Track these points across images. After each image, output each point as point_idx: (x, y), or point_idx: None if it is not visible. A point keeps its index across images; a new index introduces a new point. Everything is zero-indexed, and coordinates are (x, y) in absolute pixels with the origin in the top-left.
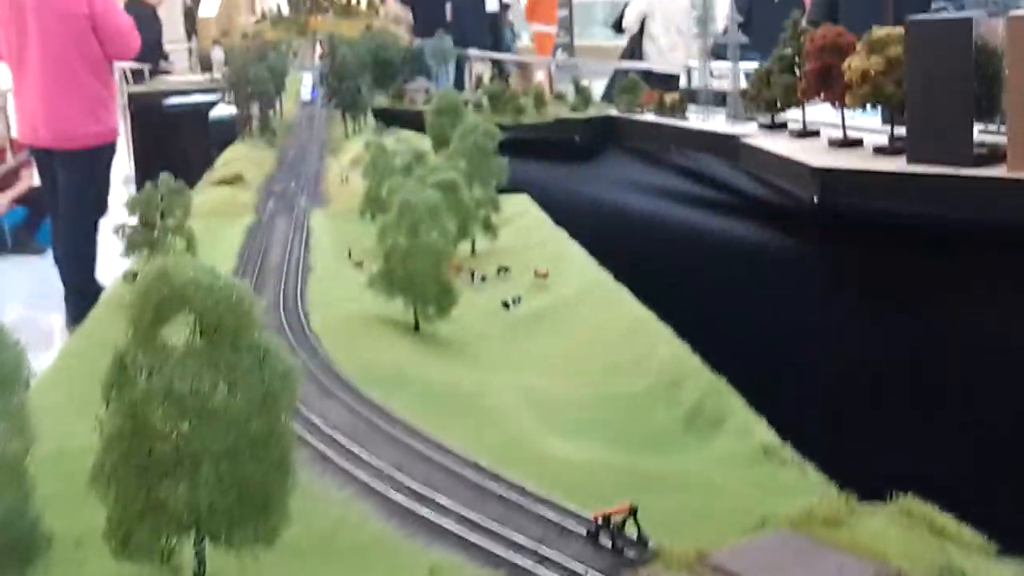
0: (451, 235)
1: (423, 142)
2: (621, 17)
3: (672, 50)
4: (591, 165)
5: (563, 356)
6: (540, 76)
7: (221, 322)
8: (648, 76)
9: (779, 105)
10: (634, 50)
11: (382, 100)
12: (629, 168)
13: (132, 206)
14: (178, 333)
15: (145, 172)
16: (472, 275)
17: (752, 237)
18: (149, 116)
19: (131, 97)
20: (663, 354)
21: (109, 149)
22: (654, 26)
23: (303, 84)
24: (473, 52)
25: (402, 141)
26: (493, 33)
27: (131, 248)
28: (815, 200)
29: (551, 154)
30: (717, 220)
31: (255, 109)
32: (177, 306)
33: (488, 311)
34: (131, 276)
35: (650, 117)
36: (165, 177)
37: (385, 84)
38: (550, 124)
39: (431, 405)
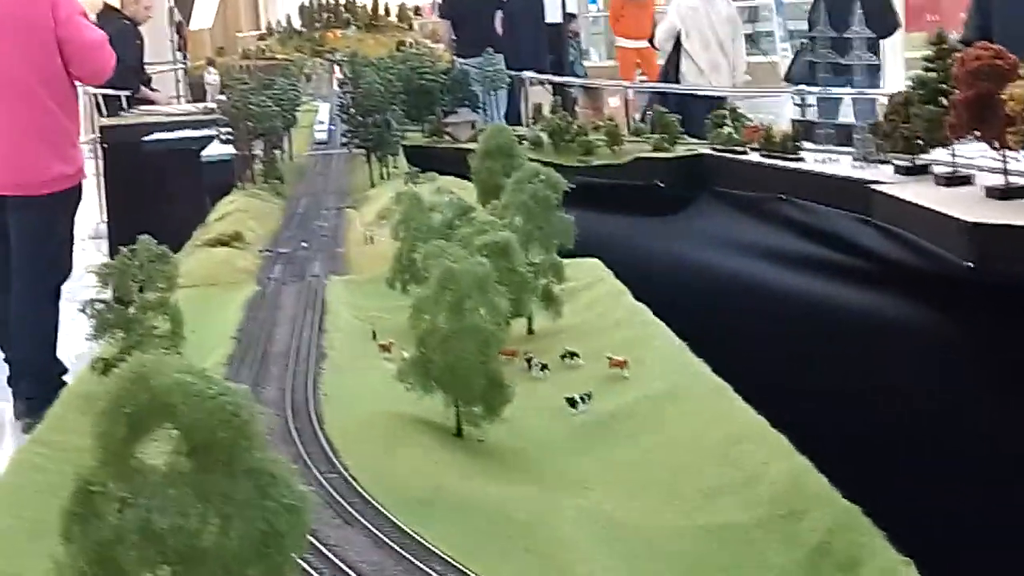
0: (503, 313)
1: (468, 192)
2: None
3: (714, 70)
4: (679, 218)
5: (646, 473)
6: (613, 103)
7: (213, 440)
8: (682, 102)
9: (922, 144)
10: (668, 72)
11: (416, 137)
12: (727, 222)
13: (104, 277)
14: (158, 452)
15: (119, 224)
16: (529, 363)
17: (888, 312)
18: (126, 155)
19: (104, 131)
20: (778, 473)
21: (74, 195)
22: (690, 44)
23: (317, 118)
24: (530, 75)
25: (442, 191)
26: (555, 50)
27: (101, 330)
28: (969, 265)
29: (629, 205)
30: (843, 290)
31: (258, 149)
32: (158, 419)
33: (549, 411)
34: (100, 365)
35: (754, 157)
36: (145, 241)
37: (420, 117)
38: (627, 166)
39: (477, 537)
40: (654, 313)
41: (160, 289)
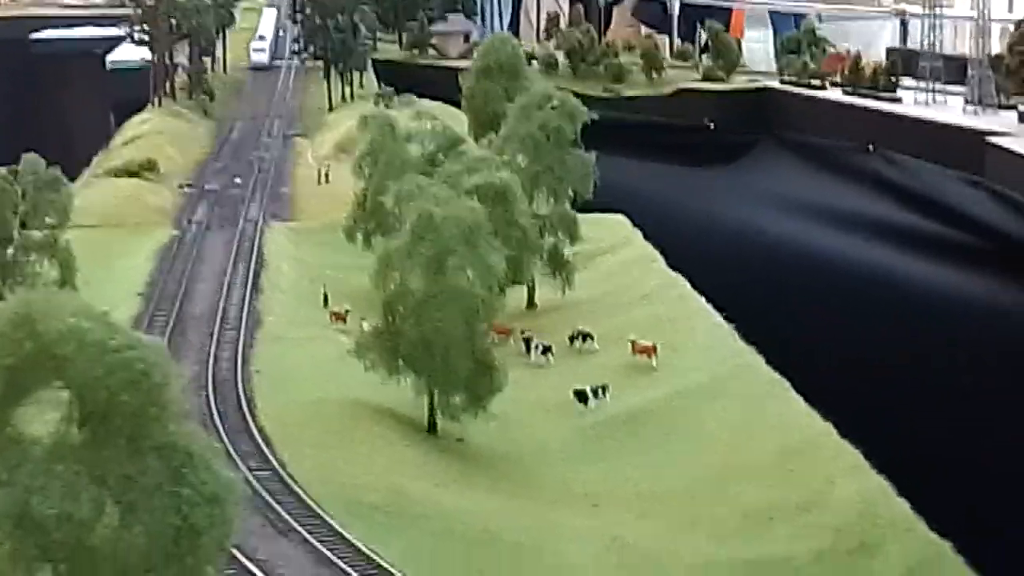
0: (497, 276)
1: (457, 122)
2: None
3: None
4: (733, 169)
5: (672, 488)
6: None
7: (114, 405)
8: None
9: None
10: None
11: (392, 50)
12: (796, 177)
13: None
14: (44, 416)
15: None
16: (528, 344)
17: (1002, 301)
18: (8, 55)
19: None
20: (846, 494)
21: None
22: None
23: (262, 20)
24: None
25: (423, 117)
26: None
27: None
28: None
29: (669, 149)
30: (944, 271)
31: (182, 55)
32: (45, 374)
33: (552, 406)
34: None
35: (835, 95)
36: (30, 162)
37: (398, 24)
38: (669, 100)
39: (452, 561)
40: (694, 286)
41: (48, 226)
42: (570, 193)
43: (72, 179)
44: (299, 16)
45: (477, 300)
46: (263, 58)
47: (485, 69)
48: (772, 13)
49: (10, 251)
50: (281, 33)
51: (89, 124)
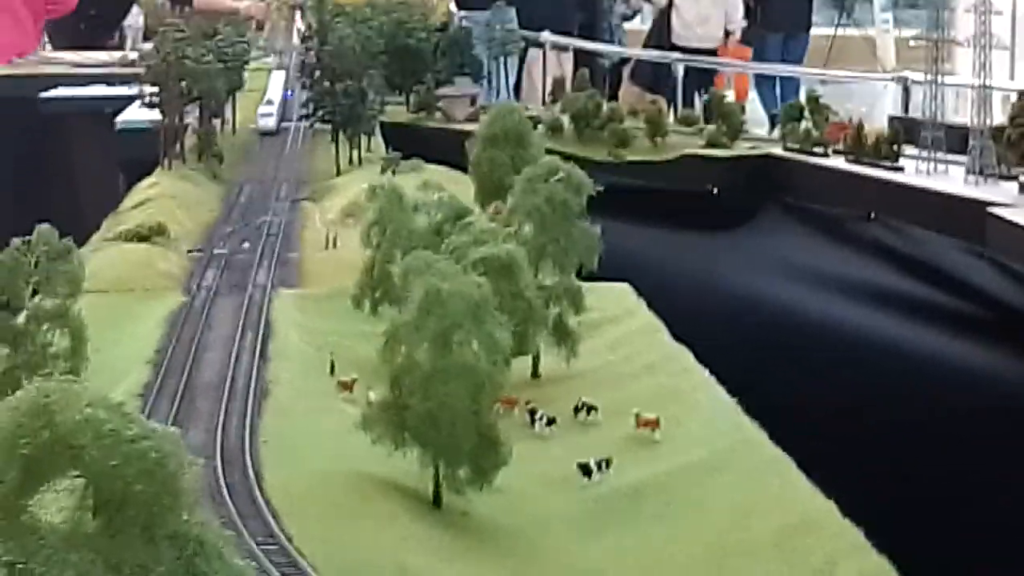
0: (503, 350)
1: (464, 188)
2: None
3: (703, 24)
4: (737, 236)
5: (680, 566)
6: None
7: (129, 494)
8: (657, 71)
9: None
10: (662, 29)
11: (399, 113)
12: (800, 245)
13: None
14: (57, 506)
15: (5, 202)
16: (532, 416)
17: (1006, 375)
18: (18, 113)
19: None
20: (851, 573)
21: None
22: None
23: (271, 82)
24: (549, 37)
25: (429, 187)
26: (588, 7)
27: None
28: None
29: (672, 215)
30: (948, 343)
31: (192, 117)
32: (62, 463)
33: (556, 479)
34: None
35: (838, 162)
36: (44, 232)
37: (406, 86)
38: (673, 165)
39: None
40: (697, 358)
41: (60, 295)
42: (575, 264)
43: (81, 243)
44: (307, 81)
45: (483, 375)
46: (271, 123)
47: (491, 137)
48: (757, 77)
49: (22, 321)
50: (289, 95)
51: (98, 184)
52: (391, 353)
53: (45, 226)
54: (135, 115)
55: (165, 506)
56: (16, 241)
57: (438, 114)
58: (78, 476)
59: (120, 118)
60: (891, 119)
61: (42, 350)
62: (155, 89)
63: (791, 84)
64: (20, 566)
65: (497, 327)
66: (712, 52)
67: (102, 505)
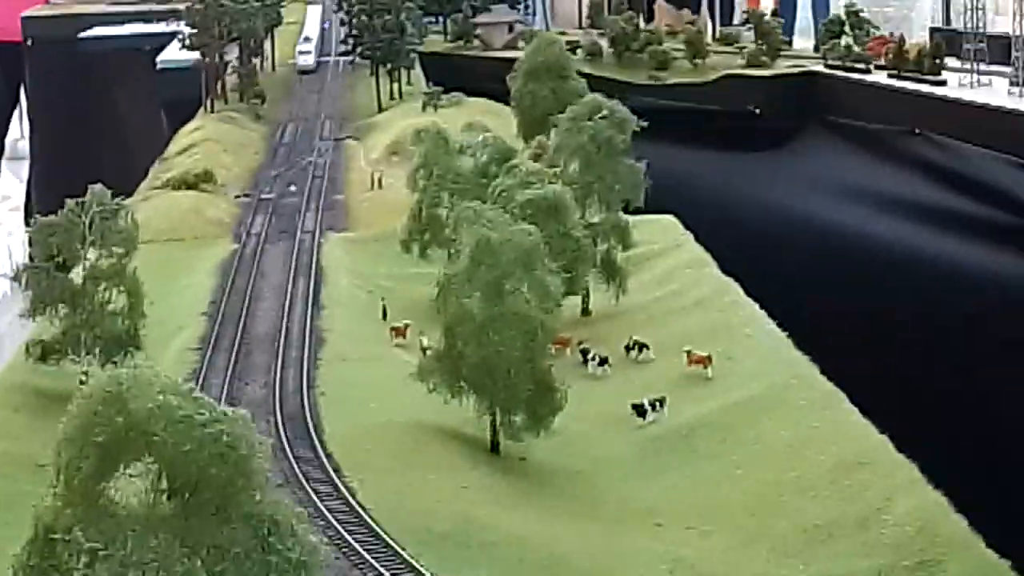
0: (555, 296)
1: (504, 119)
2: None
3: None
4: (780, 156)
5: (732, 505)
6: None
7: (203, 478)
8: None
9: None
10: None
11: (438, 42)
12: (844, 163)
13: (42, 236)
14: (130, 487)
15: (45, 144)
16: (585, 355)
17: None
18: (57, 56)
19: (24, 23)
20: (904, 511)
21: None
22: None
23: (307, 17)
24: None
25: (474, 128)
26: None
27: (39, 304)
28: None
29: (714, 137)
30: (1001, 261)
31: (231, 55)
32: (136, 450)
33: (610, 420)
34: (37, 349)
35: (880, 78)
36: (98, 192)
37: (443, 10)
38: (713, 86)
39: None
40: (746, 291)
41: (115, 254)
42: (621, 199)
43: (128, 185)
44: (344, 17)
45: (536, 322)
46: (309, 61)
47: (532, 71)
48: None
49: (80, 280)
50: (325, 26)
51: (143, 124)
52: (445, 303)
53: (98, 186)
54: (175, 55)
55: (239, 488)
56: (71, 203)
57: (475, 42)
58: (152, 462)
59: (160, 57)
60: (932, 31)
61: (100, 308)
62: (194, 31)
63: None
64: (103, 553)
65: (548, 273)
66: None
67: (177, 489)
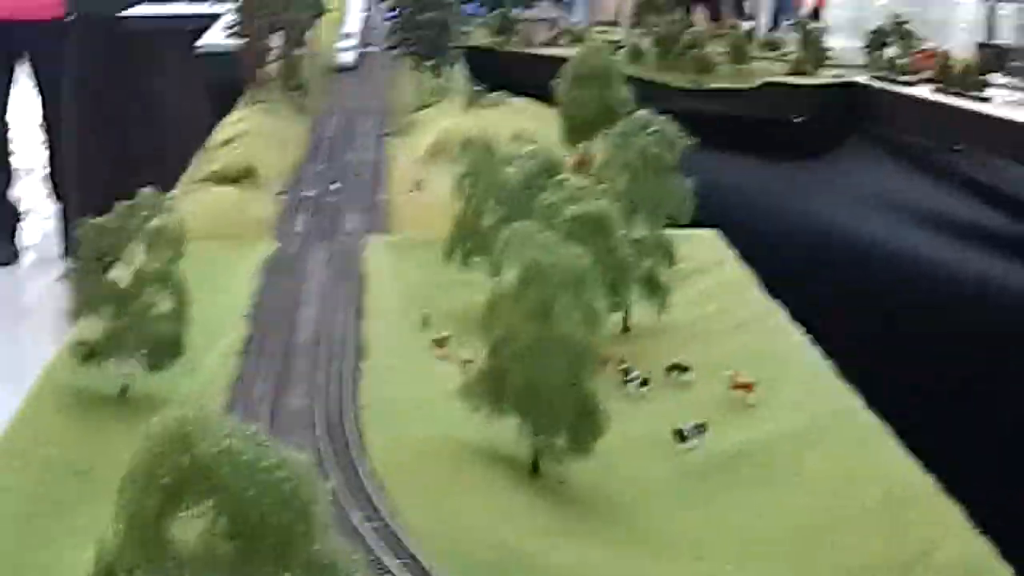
0: (601, 320)
1: (547, 120)
2: None
3: None
4: (820, 167)
5: (778, 539)
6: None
7: (264, 523)
8: None
9: None
10: None
11: (481, 35)
12: (886, 177)
13: (92, 239)
14: (188, 526)
15: (84, 123)
16: (625, 375)
17: None
18: (96, 35)
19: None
20: (951, 555)
21: None
22: None
23: (349, 7)
24: None
25: (520, 139)
26: None
27: (84, 306)
28: None
29: (753, 144)
30: None
31: (274, 43)
32: (200, 493)
33: (651, 443)
34: (82, 349)
35: (924, 91)
36: (147, 195)
37: (486, 9)
38: (754, 93)
39: None
40: (790, 312)
41: (162, 255)
42: (666, 216)
43: (164, 180)
44: (390, 13)
45: (583, 346)
46: (349, 59)
47: (578, 77)
48: None
49: (127, 284)
50: (369, 12)
51: (181, 106)
52: (491, 322)
53: (148, 190)
54: (216, 39)
55: (298, 533)
56: (121, 205)
57: (516, 37)
58: (214, 505)
59: (202, 41)
60: (979, 46)
61: (146, 311)
62: (237, 18)
63: None
64: None
65: (596, 297)
66: None
67: (237, 532)
